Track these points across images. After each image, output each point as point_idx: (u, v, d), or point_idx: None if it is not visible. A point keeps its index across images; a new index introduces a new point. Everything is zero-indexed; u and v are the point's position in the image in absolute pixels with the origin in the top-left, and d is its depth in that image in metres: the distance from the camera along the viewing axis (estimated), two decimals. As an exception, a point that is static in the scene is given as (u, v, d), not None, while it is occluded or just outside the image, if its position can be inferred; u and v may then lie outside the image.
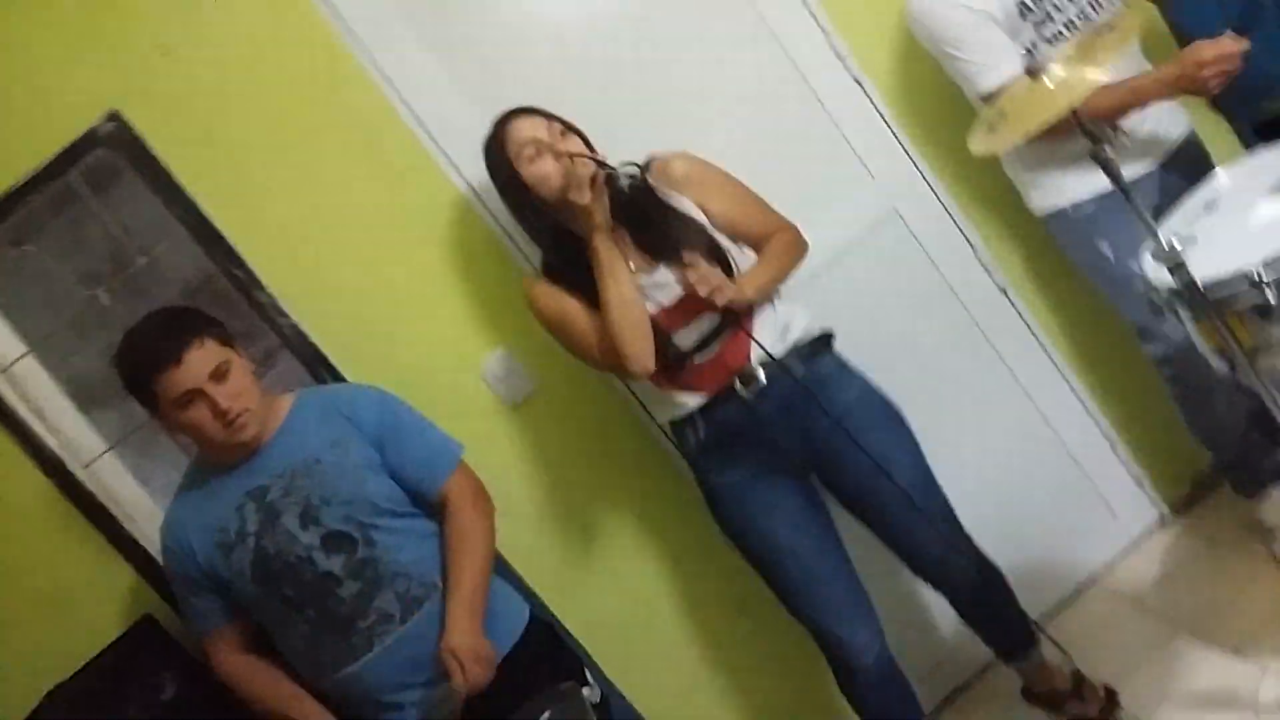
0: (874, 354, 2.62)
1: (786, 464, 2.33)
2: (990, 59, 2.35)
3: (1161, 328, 2.44)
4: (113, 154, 2.42)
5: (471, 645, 2.09)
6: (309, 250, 2.51)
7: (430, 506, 2.26)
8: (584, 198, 2.12)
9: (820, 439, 2.30)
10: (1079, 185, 2.45)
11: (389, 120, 2.50)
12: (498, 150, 2.25)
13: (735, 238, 2.30)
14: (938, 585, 2.46)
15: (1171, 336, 2.43)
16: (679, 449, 2.41)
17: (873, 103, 2.71)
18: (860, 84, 2.70)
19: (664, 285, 2.22)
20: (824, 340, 2.36)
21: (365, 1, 2.49)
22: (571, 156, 2.17)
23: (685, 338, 2.24)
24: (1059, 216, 2.52)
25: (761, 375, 2.25)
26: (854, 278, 2.69)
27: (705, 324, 2.24)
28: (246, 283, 2.47)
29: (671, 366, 2.24)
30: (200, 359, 2.06)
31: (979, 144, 1.80)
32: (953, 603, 2.50)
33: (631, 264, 2.22)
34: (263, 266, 2.47)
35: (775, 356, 2.24)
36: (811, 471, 2.38)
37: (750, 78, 2.67)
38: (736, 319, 2.23)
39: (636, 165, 2.29)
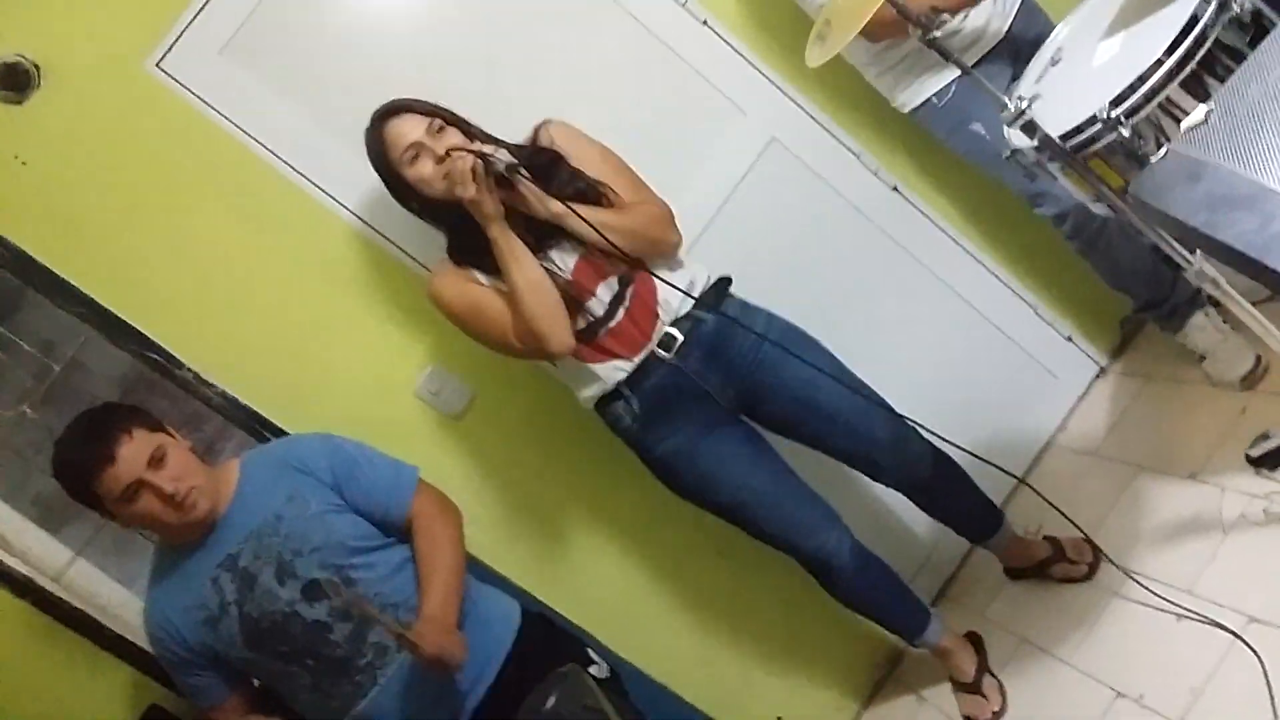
0: (788, 281, 2.70)
1: (721, 411, 2.37)
2: None
3: (1048, 189, 2.50)
4: (1, 273, 2.42)
5: (439, 620, 2.09)
6: (215, 316, 2.53)
7: (401, 533, 2.28)
8: (469, 192, 2.12)
9: (746, 376, 2.35)
10: (936, 77, 2.53)
11: (259, 172, 2.52)
12: (379, 154, 2.25)
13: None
14: (897, 484, 2.52)
15: (1060, 196, 2.50)
16: (616, 431, 2.39)
17: (724, 39, 2.74)
18: (707, 24, 2.73)
19: (563, 251, 2.24)
20: (723, 284, 2.39)
21: (203, 65, 2.50)
22: (449, 153, 2.16)
23: (598, 304, 2.25)
24: (926, 109, 2.58)
25: (676, 333, 2.29)
26: (750, 213, 2.73)
27: (614, 284, 2.26)
28: (165, 364, 2.48)
29: (590, 335, 2.26)
30: (133, 451, 2.07)
31: (814, 56, 1.85)
32: (915, 500, 2.57)
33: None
34: (175, 344, 2.49)
35: (691, 297, 2.28)
36: (740, 412, 2.42)
37: (600, 46, 2.68)
38: (635, 272, 2.27)
39: (509, 147, 2.26)
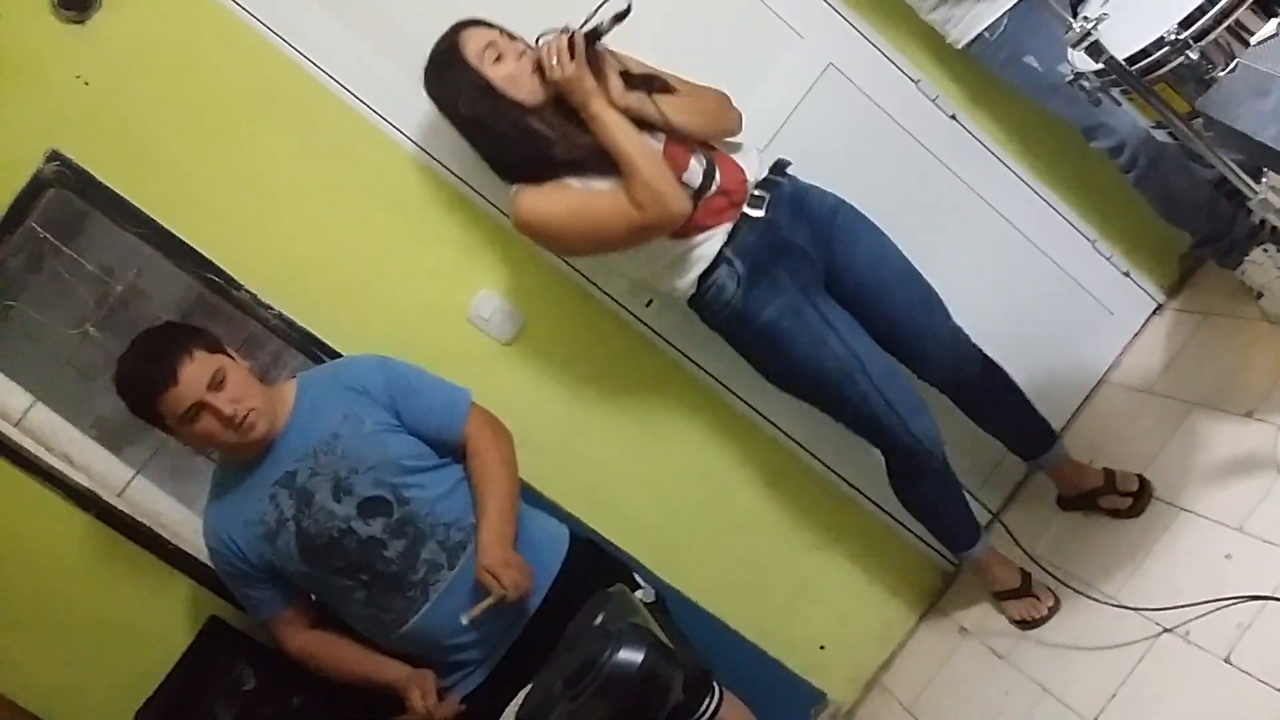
0: None
1: (816, 273, 2.38)
2: None
3: (1106, 120, 2.47)
4: (64, 193, 2.46)
5: (501, 556, 2.16)
6: (274, 239, 2.56)
7: (454, 453, 2.33)
8: (567, 69, 2.13)
9: (826, 236, 2.40)
10: (987, 8, 2.48)
11: (317, 96, 2.51)
12: (456, 63, 2.22)
13: None
14: (942, 380, 2.54)
15: (1116, 127, 2.46)
16: (718, 313, 2.35)
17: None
18: (766, -53, 2.68)
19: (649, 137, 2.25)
20: (783, 164, 2.46)
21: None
22: (537, 41, 2.19)
23: (693, 175, 2.27)
24: (979, 43, 2.54)
25: (762, 193, 2.34)
26: (806, 139, 2.68)
27: (701, 158, 2.29)
28: (224, 285, 2.52)
29: (691, 208, 2.26)
30: (194, 373, 2.12)
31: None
32: (963, 405, 2.58)
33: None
34: (233, 266, 2.52)
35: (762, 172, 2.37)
36: (825, 279, 2.42)
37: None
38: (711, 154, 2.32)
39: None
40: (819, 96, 2.73)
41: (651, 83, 2.29)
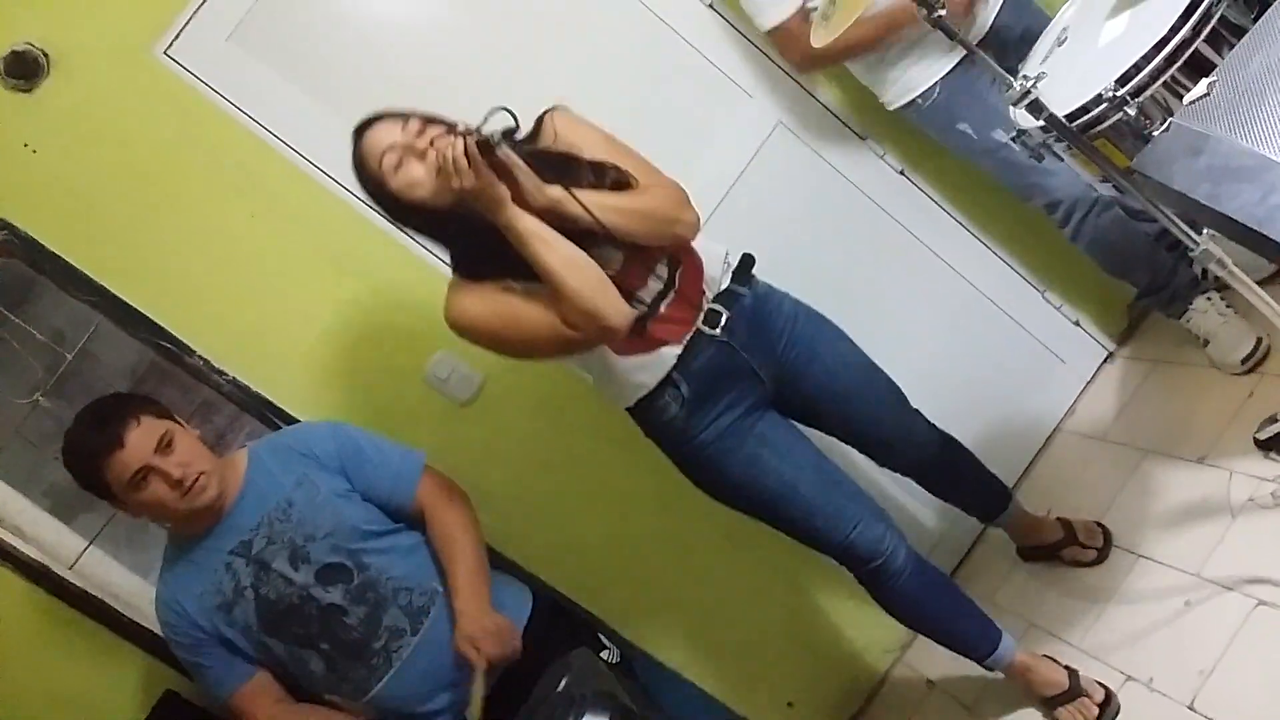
0: (795, 266, 2.65)
1: (764, 392, 2.24)
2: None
3: (1039, 181, 2.54)
4: (12, 262, 2.43)
5: (481, 625, 2.13)
6: (226, 304, 2.54)
7: (409, 518, 2.30)
8: (468, 180, 1.85)
9: (781, 354, 2.24)
10: (920, 74, 2.54)
11: (268, 159, 2.53)
12: (362, 170, 2.01)
13: None
14: (907, 469, 2.50)
15: (1050, 188, 2.55)
16: (657, 427, 2.22)
17: (729, 22, 2.73)
18: (712, 6, 2.72)
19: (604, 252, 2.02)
20: (749, 261, 2.26)
21: (211, 51, 2.50)
22: (431, 144, 1.91)
23: (647, 293, 2.09)
24: (913, 109, 2.60)
25: (721, 309, 2.15)
26: (756, 198, 2.73)
27: (663, 270, 2.11)
28: (176, 351, 2.50)
29: (641, 326, 2.07)
30: (141, 436, 2.08)
31: (819, 37, 1.85)
32: (924, 483, 2.56)
33: None
34: (185, 332, 2.50)
35: (722, 284, 2.16)
36: (774, 395, 2.28)
37: (605, 30, 2.68)
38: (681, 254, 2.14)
39: (506, 110, 1.89)
40: (769, 155, 2.77)
41: (601, 175, 2.03)
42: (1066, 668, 2.33)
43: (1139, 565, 2.44)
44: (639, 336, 2.07)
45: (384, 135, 1.96)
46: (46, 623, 2.48)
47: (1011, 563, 2.79)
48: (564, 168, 1.98)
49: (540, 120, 2.10)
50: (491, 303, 2.01)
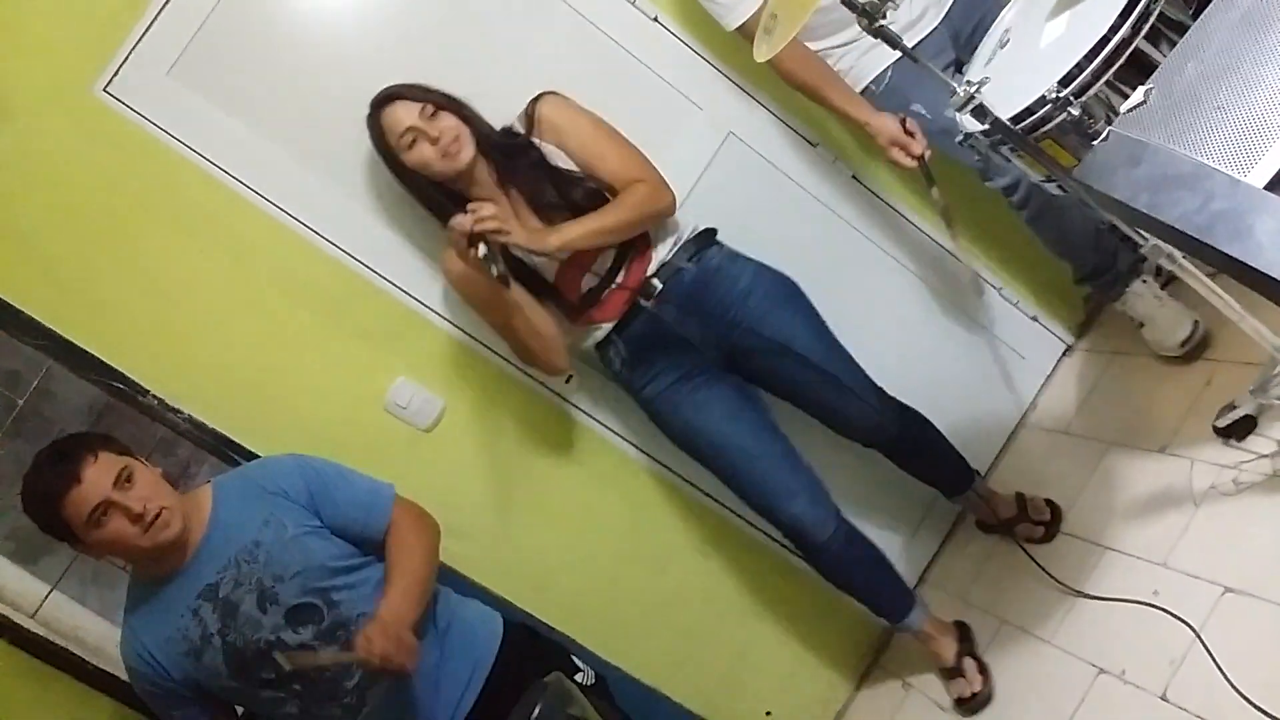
0: None
1: (705, 360, 2.46)
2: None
3: (999, 162, 2.52)
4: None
5: (393, 629, 2.02)
6: (179, 341, 2.50)
7: (379, 550, 2.26)
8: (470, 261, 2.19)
9: (724, 326, 2.45)
10: (869, 63, 2.54)
11: (214, 192, 2.48)
12: (381, 140, 2.33)
13: (595, 181, 2.39)
14: (869, 440, 2.59)
15: (1009, 167, 2.51)
16: (606, 372, 2.55)
17: (675, 36, 2.72)
18: (657, 20, 2.71)
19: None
20: (708, 235, 2.50)
21: (152, 87, 2.46)
22: (436, 142, 2.27)
23: (589, 281, 2.40)
24: (867, 96, 2.58)
25: (656, 282, 2.42)
26: (711, 208, 2.70)
27: (608, 259, 2.39)
28: (129, 392, 2.46)
29: (592, 300, 2.41)
30: (98, 472, 2.03)
31: (762, 51, 1.85)
32: (889, 454, 2.62)
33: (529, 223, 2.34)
34: (138, 371, 2.46)
35: (663, 260, 2.43)
36: (726, 363, 2.49)
37: (551, 46, 2.66)
38: (634, 246, 2.40)
39: (501, 133, 2.42)
40: (722, 165, 2.77)
41: (570, 188, 2.36)
42: (958, 642, 2.59)
43: (1106, 558, 2.45)
44: (581, 315, 2.42)
45: (403, 115, 2.29)
46: (12, 673, 2.44)
47: (984, 557, 2.81)
48: (536, 178, 2.36)
49: (531, 106, 2.43)
50: (473, 284, 2.33)
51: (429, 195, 2.37)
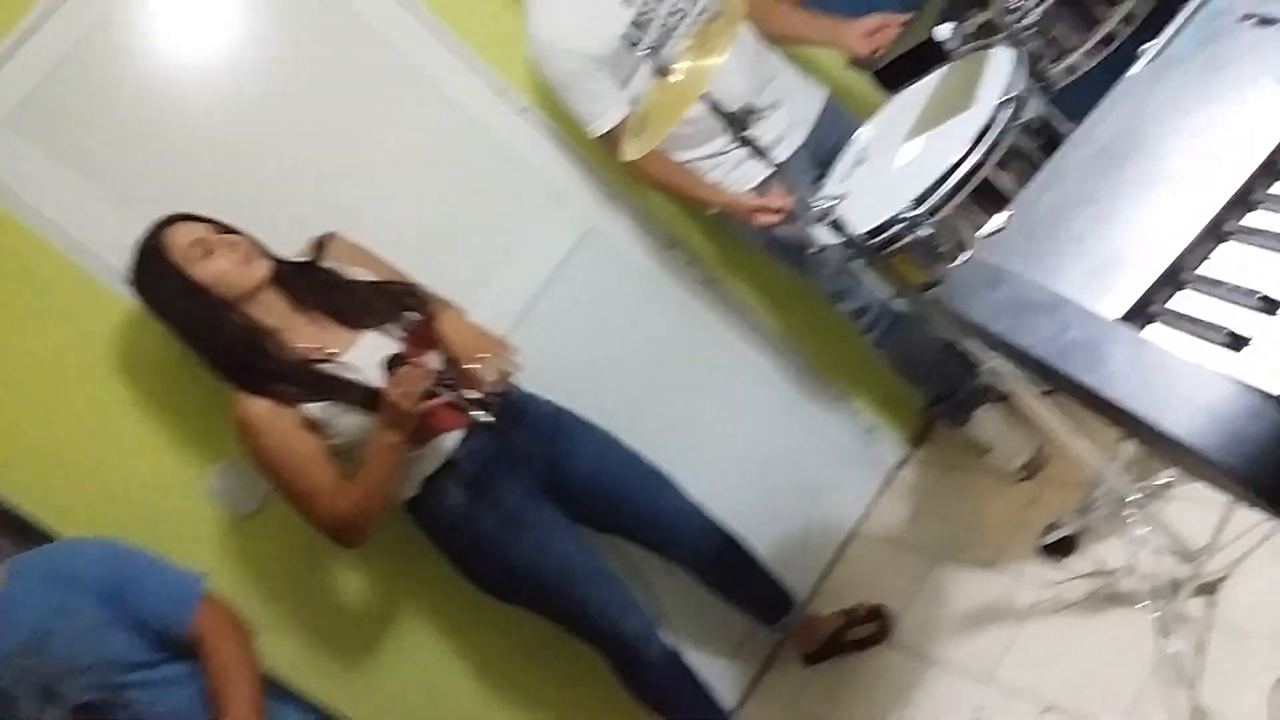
0: (602, 371, 2.70)
1: (538, 479, 2.37)
2: (597, 108, 2.48)
3: (852, 285, 2.60)
4: None
5: None
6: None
7: (182, 647, 2.09)
8: (412, 405, 2.07)
9: (548, 443, 2.40)
10: (738, 177, 2.58)
11: (33, 248, 2.31)
12: (160, 260, 2.12)
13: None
14: (684, 559, 2.57)
15: (859, 292, 2.61)
16: (438, 516, 2.31)
17: (542, 129, 2.73)
18: (525, 112, 2.71)
19: (378, 347, 2.18)
20: None
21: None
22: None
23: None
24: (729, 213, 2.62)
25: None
26: (566, 301, 2.72)
27: (439, 356, 2.25)
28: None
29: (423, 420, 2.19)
30: None
31: (631, 150, 1.85)
32: (705, 579, 2.61)
33: (338, 345, 2.18)
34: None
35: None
36: (545, 488, 2.40)
37: (416, 132, 2.62)
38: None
39: (291, 263, 2.25)
40: (581, 258, 2.77)
41: (396, 301, 2.28)
42: None
43: (933, 671, 2.48)
44: (423, 425, 2.18)
45: (190, 232, 2.14)
46: None
47: (810, 670, 2.79)
48: (340, 304, 2.23)
49: (319, 241, 2.34)
50: (285, 433, 2.14)
51: (222, 337, 2.16)
